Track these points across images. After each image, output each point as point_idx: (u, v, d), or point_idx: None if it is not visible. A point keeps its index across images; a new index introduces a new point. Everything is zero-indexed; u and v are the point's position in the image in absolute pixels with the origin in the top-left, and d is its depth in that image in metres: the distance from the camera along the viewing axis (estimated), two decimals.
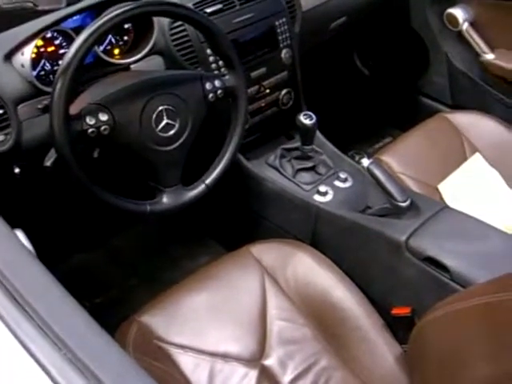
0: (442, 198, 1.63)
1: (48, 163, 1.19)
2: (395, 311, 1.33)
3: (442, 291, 1.25)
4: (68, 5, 0.77)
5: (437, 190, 1.66)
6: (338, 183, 1.58)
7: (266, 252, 1.41)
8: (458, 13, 1.96)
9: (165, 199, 1.30)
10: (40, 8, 0.76)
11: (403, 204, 1.40)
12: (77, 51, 1.11)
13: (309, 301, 1.35)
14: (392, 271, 1.40)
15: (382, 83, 2.43)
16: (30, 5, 0.76)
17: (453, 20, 1.98)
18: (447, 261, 1.28)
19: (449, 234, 1.36)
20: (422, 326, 1.08)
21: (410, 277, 1.36)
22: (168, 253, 2.01)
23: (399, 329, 1.30)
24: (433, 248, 1.32)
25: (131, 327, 1.26)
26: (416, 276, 1.35)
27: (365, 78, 2.46)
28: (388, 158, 1.70)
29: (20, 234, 0.99)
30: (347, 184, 1.58)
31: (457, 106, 2.12)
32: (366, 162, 1.43)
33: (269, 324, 1.31)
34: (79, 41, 1.12)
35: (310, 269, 1.38)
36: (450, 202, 1.59)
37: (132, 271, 1.96)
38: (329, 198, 1.54)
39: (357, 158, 1.78)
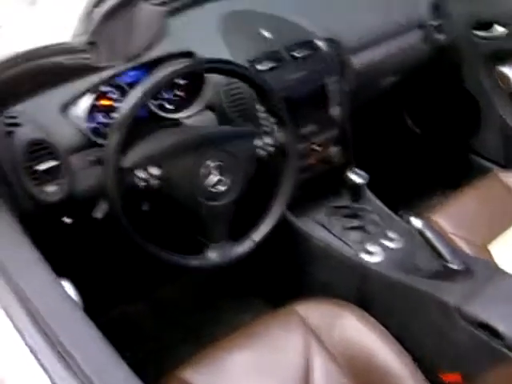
0: (493, 259, 1.58)
1: (98, 214, 1.20)
2: (444, 377, 1.28)
3: (495, 358, 1.21)
4: (125, 62, 0.78)
5: (488, 251, 1.61)
6: (387, 243, 1.56)
7: (312, 311, 1.38)
8: (509, 72, 1.94)
9: (212, 254, 1.30)
10: (99, 65, 0.77)
11: (455, 266, 1.37)
12: (131, 107, 1.14)
13: (354, 363, 1.31)
14: (442, 335, 1.36)
15: (433, 142, 2.40)
16: (90, 62, 0.77)
17: (504, 79, 1.96)
18: (500, 327, 1.24)
19: (503, 298, 1.32)
20: None
21: (460, 342, 1.32)
22: (212, 307, 1.99)
23: None
24: (486, 313, 1.28)
25: (172, 383, 1.24)
26: (467, 341, 1.31)
27: (415, 136, 2.44)
28: (439, 218, 1.67)
29: (67, 284, 1.00)
30: (397, 244, 1.56)
31: (510, 165, 2.08)
32: (416, 222, 1.41)
33: None
34: (134, 97, 1.15)
35: (356, 330, 1.34)
36: (501, 263, 1.54)
37: (175, 324, 1.95)
38: (377, 257, 1.52)
39: (406, 217, 1.75)
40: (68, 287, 1.02)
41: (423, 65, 2.07)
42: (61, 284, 0.93)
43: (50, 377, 0.76)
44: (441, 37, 2.05)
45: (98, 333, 0.83)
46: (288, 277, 1.80)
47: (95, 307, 1.06)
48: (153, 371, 1.26)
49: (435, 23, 2.04)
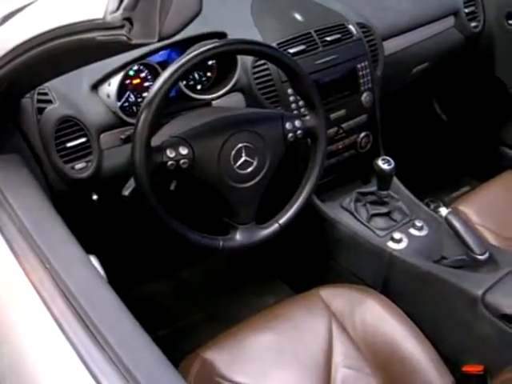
0: None
1: (126, 193, 1.21)
2: (466, 368, 1.28)
3: None
4: (159, 40, 0.78)
5: None
6: (413, 231, 1.55)
7: (336, 296, 1.38)
8: None
9: (238, 236, 1.29)
10: (133, 42, 0.77)
11: (481, 257, 1.36)
12: (162, 86, 1.13)
13: (376, 350, 1.31)
14: (465, 326, 1.35)
15: (462, 131, 2.38)
16: (124, 38, 0.76)
17: None
18: None
19: None
20: None
21: (484, 333, 1.32)
22: (235, 290, 2.00)
23: None
24: (509, 304, 1.27)
25: (194, 362, 1.26)
26: (491, 333, 1.30)
27: (444, 124, 2.42)
28: (466, 209, 1.66)
29: (94, 260, 1.01)
30: (423, 232, 1.55)
31: None
32: (444, 211, 1.41)
33: (333, 371, 1.28)
34: (165, 76, 1.14)
35: (379, 317, 1.34)
36: None
37: (198, 305, 1.96)
38: (403, 245, 1.51)
39: (432, 205, 1.74)
40: (96, 263, 1.03)
41: (455, 52, 2.05)
42: (90, 261, 0.94)
43: (75, 349, 0.77)
44: (473, 24, 2.03)
45: (127, 310, 0.83)
46: (313, 262, 1.80)
47: (119, 284, 1.07)
48: (174, 350, 1.27)
49: (468, 11, 2.02)
